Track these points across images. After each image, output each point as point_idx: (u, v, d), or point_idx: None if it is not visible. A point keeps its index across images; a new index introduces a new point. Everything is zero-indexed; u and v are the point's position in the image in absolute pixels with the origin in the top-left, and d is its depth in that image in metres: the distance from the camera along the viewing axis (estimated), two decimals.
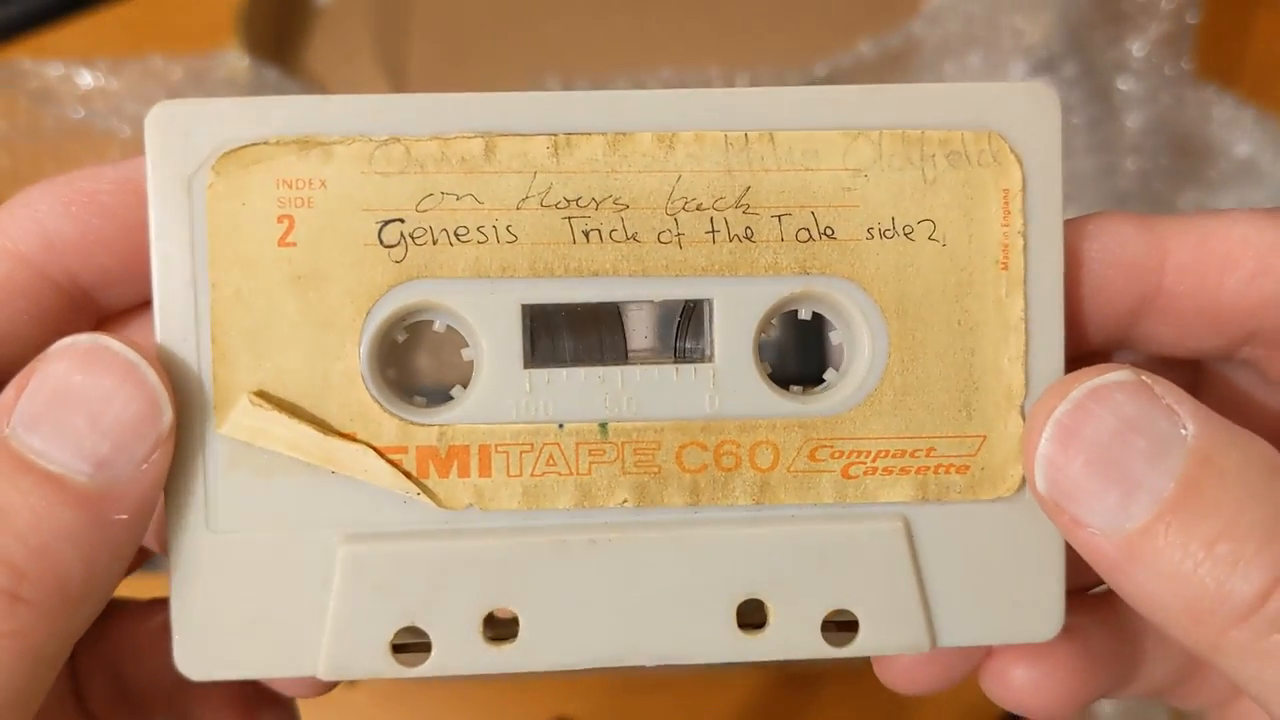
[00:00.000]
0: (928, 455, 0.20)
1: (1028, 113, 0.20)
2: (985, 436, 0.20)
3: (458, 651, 0.20)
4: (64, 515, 0.18)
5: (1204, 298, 0.20)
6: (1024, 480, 0.20)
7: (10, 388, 0.18)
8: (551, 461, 0.20)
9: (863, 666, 0.55)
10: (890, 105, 0.20)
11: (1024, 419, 0.20)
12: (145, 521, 0.19)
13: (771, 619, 0.20)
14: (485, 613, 0.20)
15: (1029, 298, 0.20)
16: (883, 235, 0.20)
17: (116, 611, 0.24)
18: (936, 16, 0.50)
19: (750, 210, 0.20)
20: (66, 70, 0.54)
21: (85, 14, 0.63)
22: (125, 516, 0.18)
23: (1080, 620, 0.22)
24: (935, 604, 0.20)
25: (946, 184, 0.20)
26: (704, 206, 0.20)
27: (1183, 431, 0.17)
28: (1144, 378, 0.18)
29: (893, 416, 0.20)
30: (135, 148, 0.56)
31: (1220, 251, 0.20)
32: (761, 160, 0.20)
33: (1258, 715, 0.22)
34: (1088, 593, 0.23)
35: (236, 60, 0.51)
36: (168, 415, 0.18)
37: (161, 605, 0.21)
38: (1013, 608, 0.20)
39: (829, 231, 0.20)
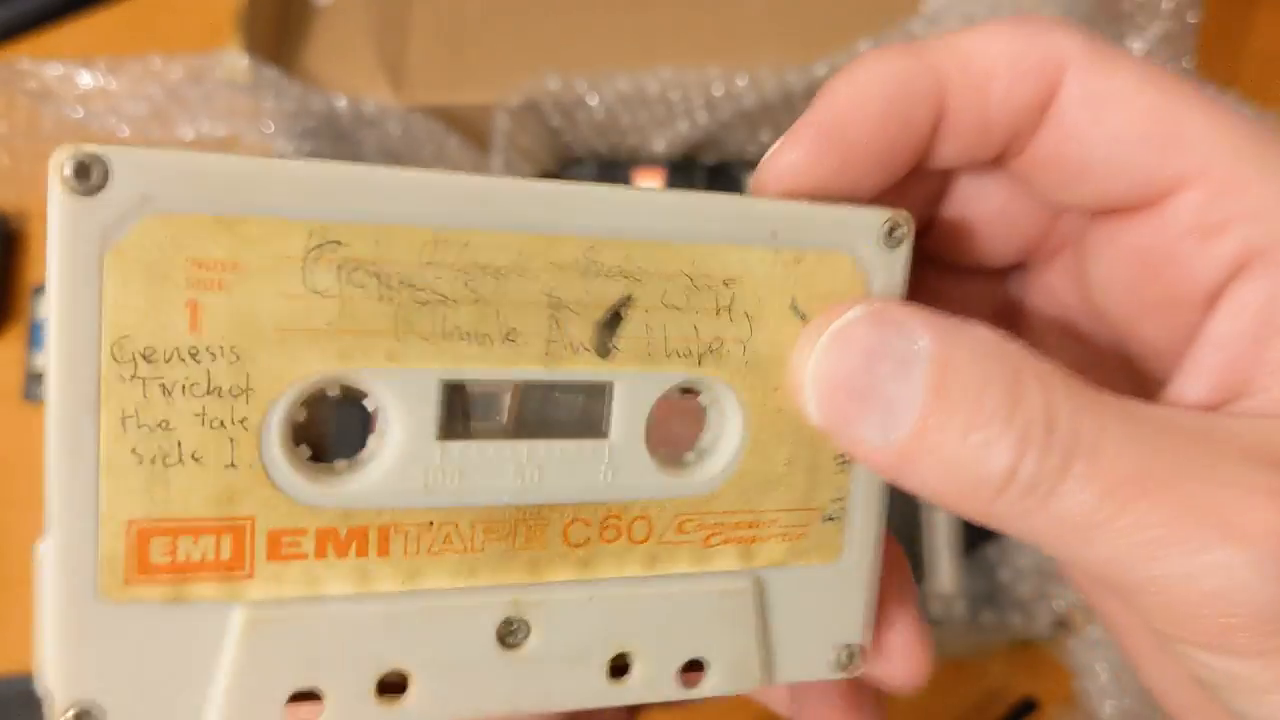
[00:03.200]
0: (772, 525, 0.23)
1: (876, 238, 0.22)
2: (819, 509, 0.23)
3: (350, 709, 0.20)
4: None
5: (977, 112, 0.22)
6: (844, 546, 0.24)
7: None
8: (449, 540, 0.21)
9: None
10: (766, 220, 0.22)
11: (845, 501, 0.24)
12: None
13: (635, 668, 0.22)
14: (379, 674, 0.20)
15: None
16: (749, 337, 0.22)
17: None
18: (936, 16, 0.50)
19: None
20: (66, 70, 0.54)
21: (85, 14, 0.63)
22: None
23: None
24: (775, 650, 0.23)
25: (806, 295, 0.22)
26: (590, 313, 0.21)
27: (918, 345, 0.20)
28: (876, 306, 0.21)
29: (749, 493, 0.23)
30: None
31: (983, 67, 0.22)
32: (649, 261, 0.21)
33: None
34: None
35: (236, 60, 0.51)
36: None
37: None
38: (827, 649, 0.24)
39: (714, 345, 0.22)
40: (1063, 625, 0.48)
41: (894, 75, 0.22)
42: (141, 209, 0.18)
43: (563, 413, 0.22)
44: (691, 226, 0.21)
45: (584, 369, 0.21)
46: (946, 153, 0.23)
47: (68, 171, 0.17)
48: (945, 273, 0.27)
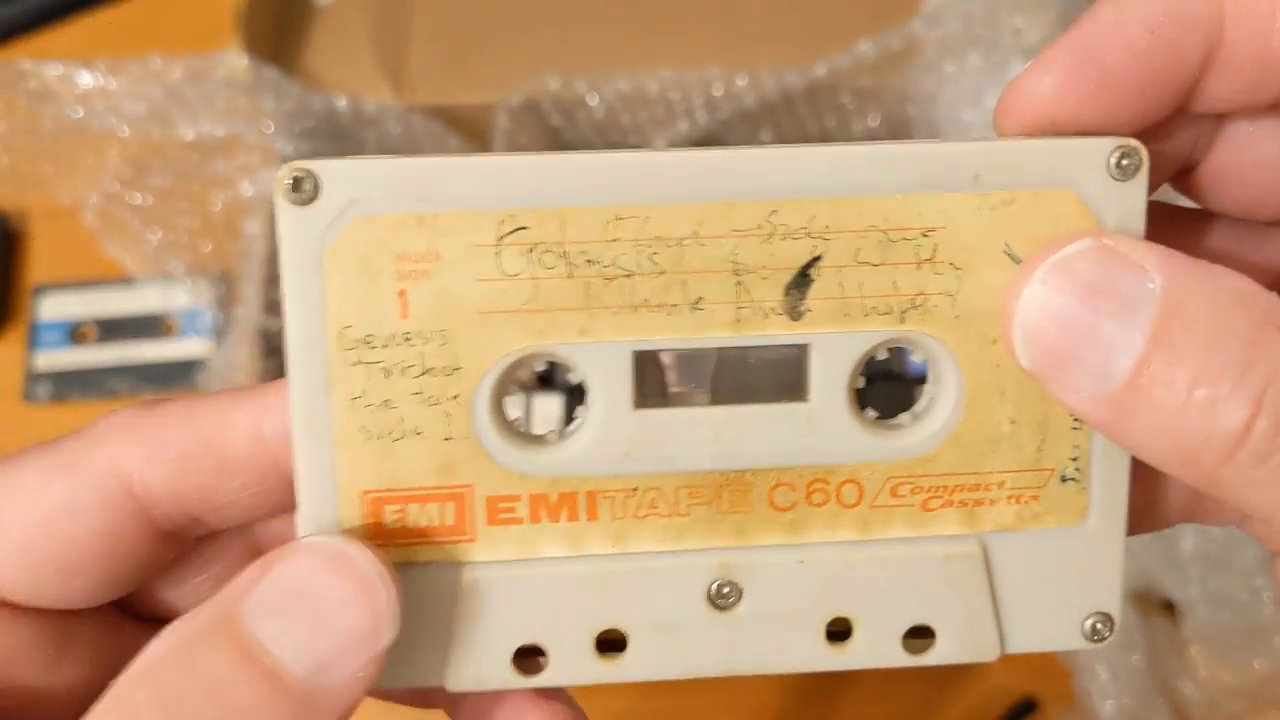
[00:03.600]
0: (1000, 488, 0.22)
1: (1104, 170, 0.21)
2: (1054, 470, 0.22)
3: (572, 664, 0.22)
4: (271, 711, 0.18)
5: (1258, 44, 0.20)
6: (1088, 509, 0.22)
7: (253, 568, 0.19)
8: (654, 505, 0.22)
9: (866, 670, 0.54)
10: (965, 164, 0.21)
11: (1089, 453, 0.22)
12: None
13: (856, 634, 0.22)
14: (596, 631, 0.21)
15: None
16: (958, 289, 0.21)
17: None
18: (936, 16, 0.50)
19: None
20: (66, 70, 0.54)
21: (85, 14, 0.63)
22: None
23: None
24: (1006, 617, 0.22)
25: (1024, 240, 0.21)
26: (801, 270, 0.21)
27: (1150, 285, 0.18)
28: (1106, 240, 0.19)
29: (969, 455, 0.22)
30: (134, 147, 0.57)
31: None
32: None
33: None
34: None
35: (236, 60, 0.51)
36: (389, 636, 0.19)
37: None
38: (1078, 618, 0.23)
39: (918, 300, 0.21)
40: None
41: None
42: (349, 212, 0.20)
43: (761, 379, 0.22)
44: (878, 179, 0.20)
45: (776, 333, 0.21)
46: (1219, 91, 0.20)
47: (286, 184, 0.20)
48: (1202, 224, 0.24)
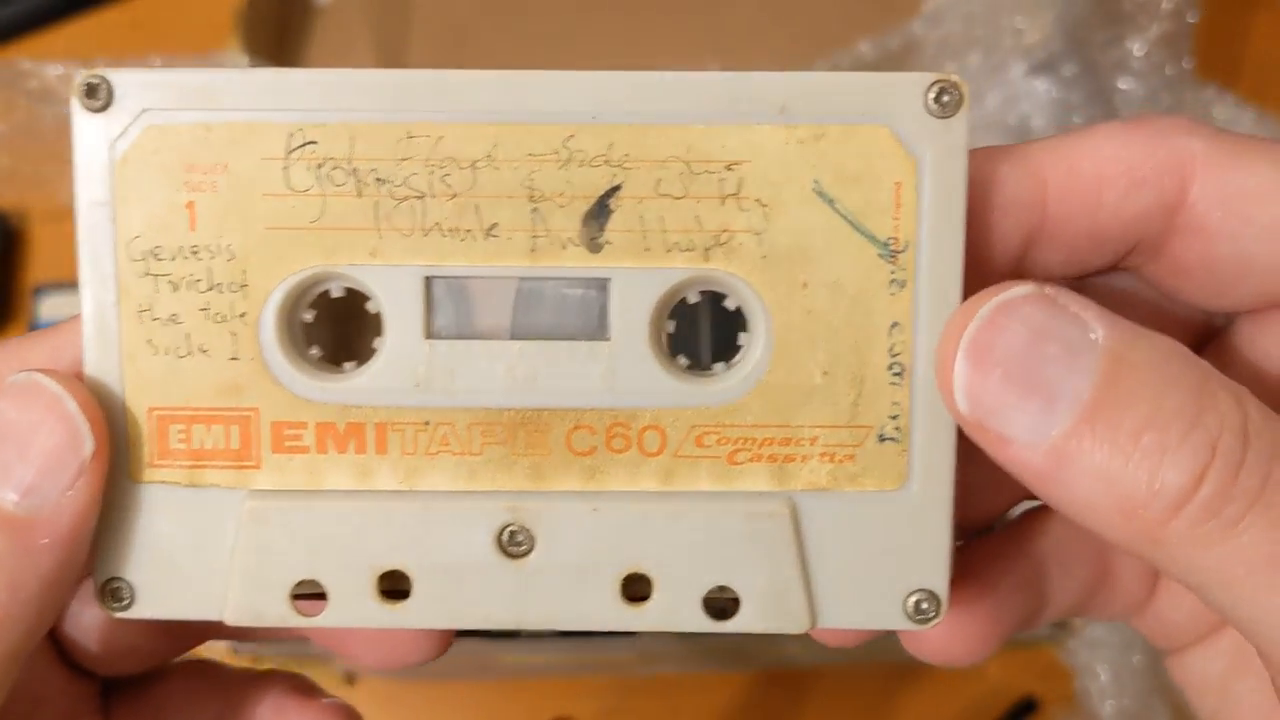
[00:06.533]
0: (812, 444, 0.21)
1: (920, 106, 0.20)
2: (871, 428, 0.21)
3: (352, 606, 0.21)
4: None
5: (1085, 220, 0.20)
6: (909, 473, 0.21)
7: None
8: (445, 442, 0.21)
9: (864, 667, 0.55)
10: (772, 94, 0.20)
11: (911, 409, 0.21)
12: (75, 548, 0.19)
13: (655, 593, 0.21)
14: (378, 572, 0.21)
15: (919, 290, 0.20)
16: (765, 227, 0.20)
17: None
18: (936, 16, 0.50)
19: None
20: (66, 70, 0.54)
21: (85, 14, 0.63)
22: (47, 541, 0.19)
23: (982, 564, 0.22)
24: (818, 587, 0.21)
25: (834, 178, 0.20)
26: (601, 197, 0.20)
27: (1092, 335, 0.17)
28: (1047, 289, 0.18)
29: (779, 406, 0.21)
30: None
31: (1093, 172, 0.20)
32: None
33: (1170, 613, 0.23)
34: (986, 535, 0.24)
35: (236, 60, 0.51)
36: (89, 444, 0.19)
37: None
38: (898, 594, 0.21)
39: (722, 237, 0.20)
40: (1063, 625, 0.48)
41: (988, 179, 0.20)
42: (141, 120, 0.20)
43: (562, 315, 0.21)
44: (680, 107, 0.20)
45: (573, 265, 0.20)
46: (1049, 260, 0.21)
47: (80, 90, 0.20)
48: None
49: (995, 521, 0.24)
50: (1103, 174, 0.20)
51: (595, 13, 0.56)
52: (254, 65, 0.51)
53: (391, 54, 0.55)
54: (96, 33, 0.62)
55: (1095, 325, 0.18)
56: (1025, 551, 0.23)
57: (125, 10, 0.63)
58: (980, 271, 0.20)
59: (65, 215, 0.66)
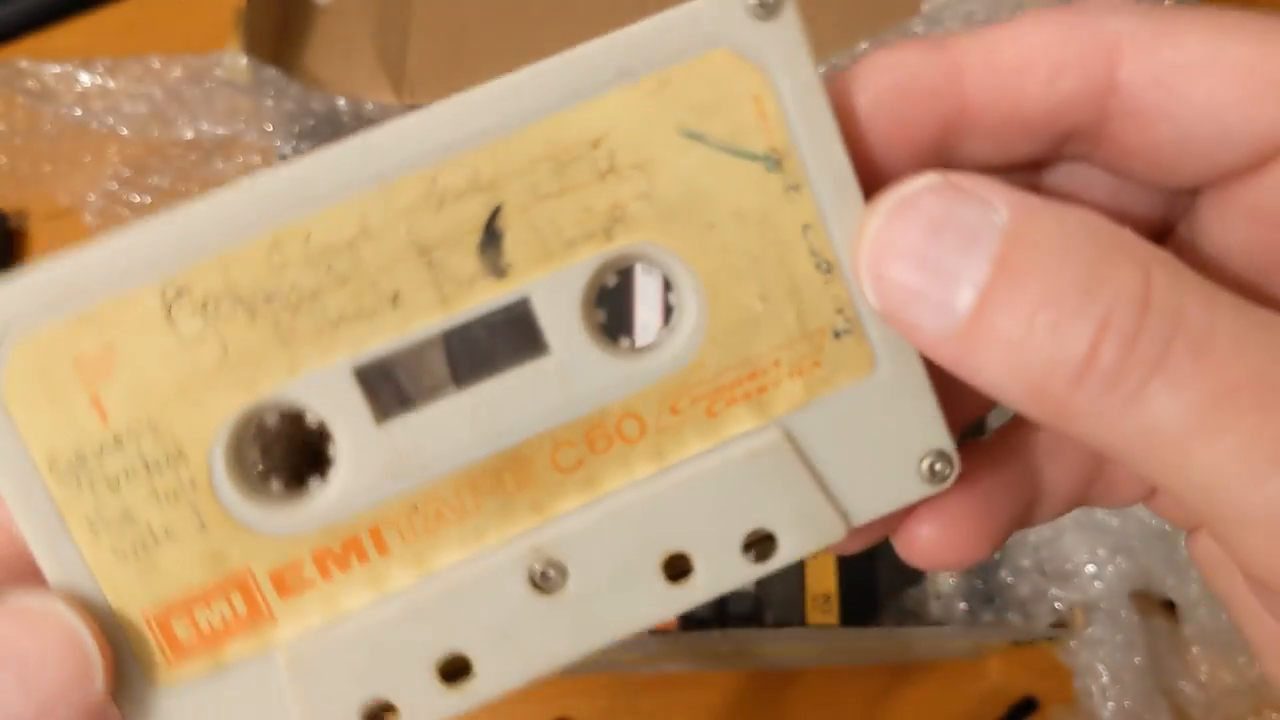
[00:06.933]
0: (777, 368, 0.21)
1: (746, 15, 0.20)
2: (824, 329, 0.21)
3: (425, 706, 0.20)
4: None
5: (1008, 108, 0.20)
6: (875, 355, 0.21)
7: None
8: (440, 516, 0.20)
9: (863, 667, 0.54)
10: (605, 61, 0.20)
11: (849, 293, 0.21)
12: None
13: (696, 564, 0.21)
14: (434, 664, 0.20)
15: (815, 187, 0.20)
16: (651, 189, 0.20)
17: None
18: (936, 16, 0.50)
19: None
20: (66, 70, 0.54)
21: (85, 14, 0.63)
22: None
23: (972, 466, 0.22)
24: (838, 491, 0.21)
25: (695, 115, 0.20)
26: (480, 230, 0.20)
27: (994, 218, 0.17)
28: (951, 177, 0.18)
29: (732, 346, 0.20)
30: (134, 147, 0.57)
31: (1013, 58, 0.19)
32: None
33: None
34: (974, 440, 0.23)
35: (236, 60, 0.51)
36: (99, 683, 0.18)
37: None
38: (911, 466, 0.21)
39: (616, 214, 0.20)
40: (1063, 625, 0.48)
41: (899, 68, 0.20)
42: (7, 339, 0.19)
43: (497, 347, 0.20)
44: (526, 107, 0.19)
45: (488, 298, 0.20)
46: (976, 150, 0.21)
47: None
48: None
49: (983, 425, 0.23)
50: (1024, 60, 0.19)
51: (596, 15, 0.56)
52: (254, 65, 0.51)
53: (391, 54, 0.55)
54: (96, 33, 0.62)
55: (1001, 206, 0.18)
56: (1011, 446, 0.23)
57: (125, 10, 0.63)
58: (898, 162, 0.20)
59: (65, 215, 0.67)
